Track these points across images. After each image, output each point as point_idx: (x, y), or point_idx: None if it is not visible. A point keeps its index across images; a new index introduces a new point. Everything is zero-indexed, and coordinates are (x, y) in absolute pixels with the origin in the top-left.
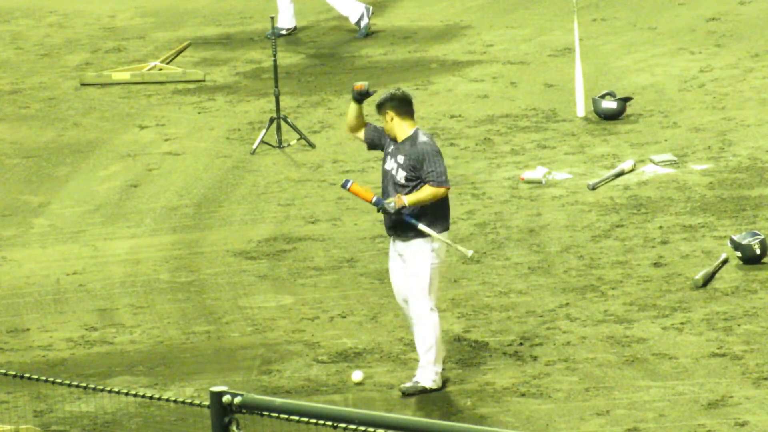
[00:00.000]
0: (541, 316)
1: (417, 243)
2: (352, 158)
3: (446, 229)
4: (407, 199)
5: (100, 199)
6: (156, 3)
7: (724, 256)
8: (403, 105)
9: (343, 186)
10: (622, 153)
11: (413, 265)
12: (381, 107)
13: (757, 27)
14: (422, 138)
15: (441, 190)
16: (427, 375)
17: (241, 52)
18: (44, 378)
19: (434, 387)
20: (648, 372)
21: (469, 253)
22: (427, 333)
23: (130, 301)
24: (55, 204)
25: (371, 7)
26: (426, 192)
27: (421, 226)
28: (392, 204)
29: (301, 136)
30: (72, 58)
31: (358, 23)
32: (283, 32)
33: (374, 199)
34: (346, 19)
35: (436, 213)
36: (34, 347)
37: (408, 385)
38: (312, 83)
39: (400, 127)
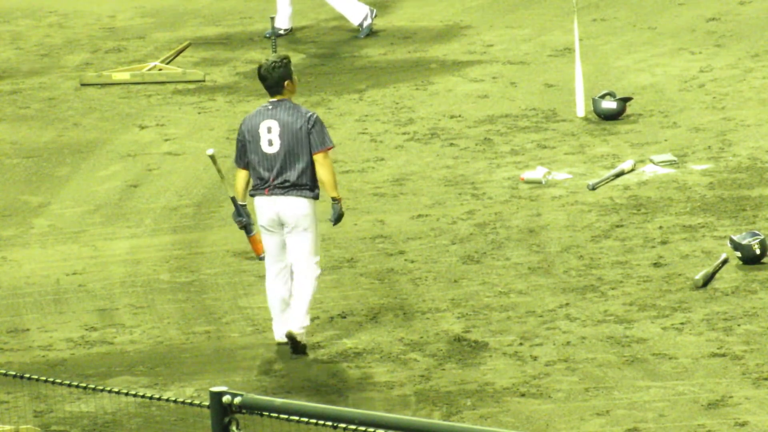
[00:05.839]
0: (541, 316)
1: None
2: (351, 158)
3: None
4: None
5: (100, 199)
6: (156, 3)
7: (724, 256)
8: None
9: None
10: (622, 153)
11: None
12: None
13: (757, 27)
14: None
15: None
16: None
17: (241, 52)
18: (44, 378)
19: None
20: (648, 372)
21: (209, 151)
22: None
23: (130, 301)
24: (55, 204)
25: (375, 9)
26: None
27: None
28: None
29: None
30: (72, 58)
31: (360, 24)
32: (281, 32)
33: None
34: (346, 19)
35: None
36: (34, 347)
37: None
38: (312, 83)
39: None
